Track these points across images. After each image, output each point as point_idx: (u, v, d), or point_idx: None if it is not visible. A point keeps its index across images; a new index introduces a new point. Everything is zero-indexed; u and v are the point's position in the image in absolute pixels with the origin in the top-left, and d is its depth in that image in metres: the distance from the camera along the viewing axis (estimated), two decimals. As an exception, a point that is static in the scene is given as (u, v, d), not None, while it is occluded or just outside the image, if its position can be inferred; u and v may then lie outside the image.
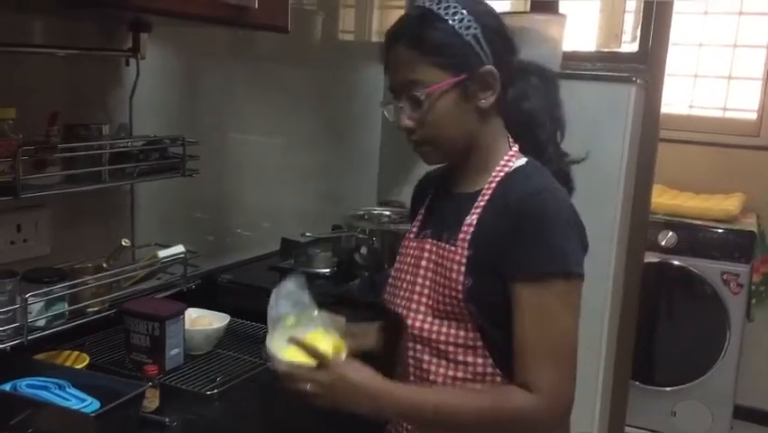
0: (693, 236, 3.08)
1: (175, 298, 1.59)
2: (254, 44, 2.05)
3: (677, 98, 3.62)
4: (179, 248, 1.62)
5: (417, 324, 1.15)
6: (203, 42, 1.86)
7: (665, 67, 2.52)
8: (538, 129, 1.18)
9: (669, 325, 3.16)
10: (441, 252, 1.14)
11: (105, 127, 1.51)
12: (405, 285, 1.18)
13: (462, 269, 1.10)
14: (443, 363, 1.14)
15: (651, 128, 2.47)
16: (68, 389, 1.21)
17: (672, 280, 3.11)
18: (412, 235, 1.23)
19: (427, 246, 1.17)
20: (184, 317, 1.47)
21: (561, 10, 2.45)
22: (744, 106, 3.59)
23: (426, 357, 1.15)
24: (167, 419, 1.25)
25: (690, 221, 3.12)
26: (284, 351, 1.11)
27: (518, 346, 1.08)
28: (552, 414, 1.08)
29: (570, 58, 2.53)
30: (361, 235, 1.89)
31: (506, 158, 1.15)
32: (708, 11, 3.61)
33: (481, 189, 1.14)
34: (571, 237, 1.08)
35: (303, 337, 1.12)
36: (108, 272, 1.49)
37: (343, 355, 1.12)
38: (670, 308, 3.16)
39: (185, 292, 1.64)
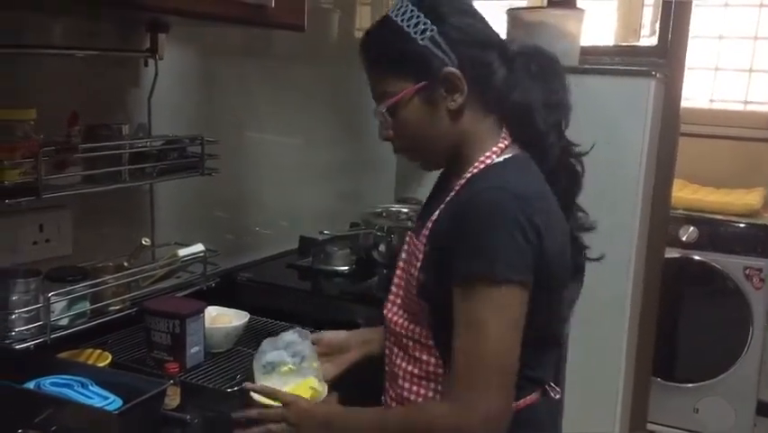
0: (714, 231, 3.05)
1: (195, 296, 1.60)
2: (271, 43, 2.05)
3: (697, 92, 3.58)
4: (199, 247, 1.63)
5: (389, 315, 1.18)
6: (220, 42, 1.87)
7: (685, 60, 2.50)
8: (534, 118, 1.11)
9: (690, 321, 3.12)
10: (411, 246, 1.15)
11: (125, 127, 1.53)
12: (393, 277, 1.21)
13: (419, 264, 1.10)
14: (405, 357, 1.16)
15: (671, 122, 2.45)
16: (90, 387, 1.21)
17: (693, 275, 3.08)
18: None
19: (407, 240, 1.18)
20: (204, 316, 1.48)
21: (579, 4, 2.44)
22: (765, 99, 3.54)
23: (396, 350, 1.18)
24: (188, 417, 1.26)
25: (711, 216, 3.08)
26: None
27: (452, 354, 1.03)
28: (461, 428, 1.00)
29: (588, 53, 2.51)
30: (379, 233, 1.89)
31: (487, 153, 1.11)
32: (728, 3, 3.56)
33: (455, 184, 1.11)
34: (506, 239, 0.99)
35: (293, 382, 1.22)
36: (129, 271, 1.51)
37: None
38: (691, 303, 3.13)
39: (205, 291, 1.65)
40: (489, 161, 1.10)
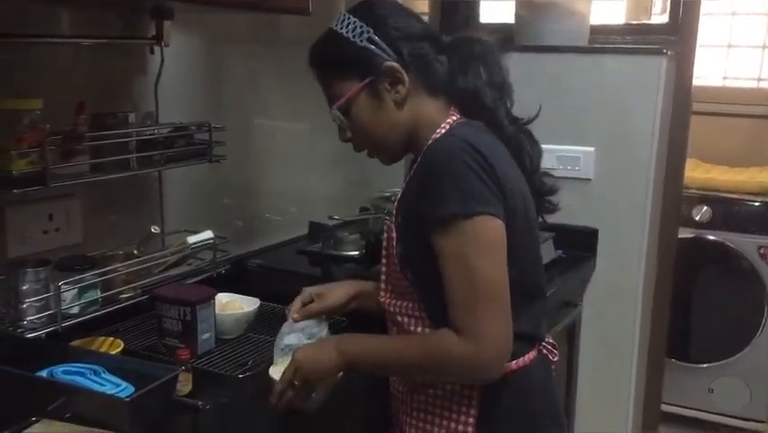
0: (728, 210, 3.02)
1: (205, 283, 1.60)
2: (277, 28, 2.04)
3: (710, 70, 3.54)
4: (208, 234, 1.63)
5: (382, 299, 1.25)
6: (226, 28, 1.86)
7: (697, 37, 2.46)
8: (481, 97, 1.17)
9: (705, 301, 3.10)
10: (389, 230, 1.21)
11: (132, 115, 1.52)
12: (380, 265, 1.26)
13: (394, 241, 1.17)
14: (403, 333, 1.21)
15: (683, 101, 2.42)
16: (102, 374, 1.22)
17: (707, 255, 3.06)
18: None
19: (385, 227, 1.24)
20: (214, 302, 1.48)
21: (588, -17, 2.40)
22: (780, 76, 3.50)
23: (395, 329, 1.24)
24: (200, 403, 1.26)
25: (724, 195, 3.06)
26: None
27: (446, 294, 1.08)
28: (479, 356, 1.05)
29: (598, 31, 2.48)
30: (388, 217, 1.88)
31: (441, 126, 1.16)
32: (740, -22, 3.51)
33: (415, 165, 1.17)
34: (469, 178, 1.05)
35: None
36: (139, 259, 1.51)
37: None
38: (705, 283, 3.11)
39: (215, 277, 1.65)
40: (438, 135, 1.16)
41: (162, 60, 1.63)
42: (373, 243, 1.95)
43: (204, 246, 1.63)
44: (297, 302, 1.36)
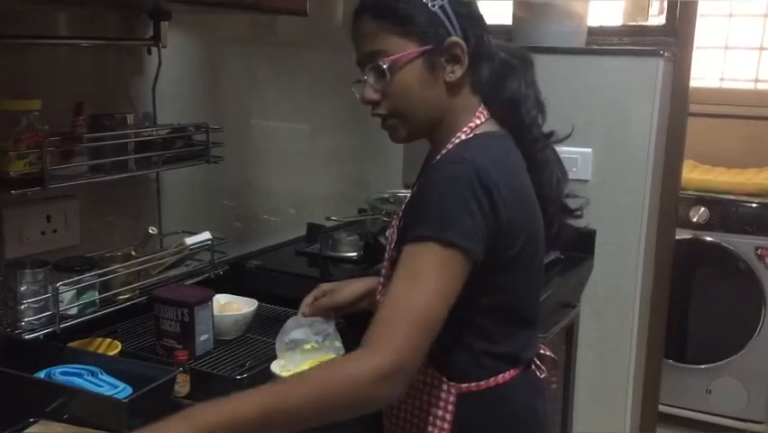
0: (726, 212, 3.02)
1: (203, 284, 1.60)
2: (275, 29, 2.04)
3: (707, 71, 3.54)
4: (206, 235, 1.63)
5: (379, 298, 1.19)
6: (224, 29, 1.87)
7: (694, 39, 2.47)
8: (521, 111, 1.14)
9: (702, 302, 3.11)
10: (392, 231, 1.18)
11: (130, 116, 1.52)
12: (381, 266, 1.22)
13: (393, 245, 1.13)
14: None
15: (680, 102, 2.43)
16: (100, 375, 1.22)
17: (704, 256, 3.06)
18: None
19: (392, 228, 1.20)
20: (212, 303, 1.48)
21: (585, -16, 2.41)
22: (777, 78, 3.50)
23: None
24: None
25: (722, 196, 3.06)
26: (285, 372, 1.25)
27: (381, 303, 1.02)
28: (373, 370, 0.92)
29: (595, 33, 2.49)
30: (386, 219, 1.88)
31: (464, 129, 1.12)
32: (737, -20, 3.52)
33: (431, 164, 1.13)
34: (459, 209, 1.00)
35: (313, 359, 1.25)
36: (137, 260, 1.51)
37: None
38: (703, 284, 3.11)
39: (213, 279, 1.65)
40: (457, 140, 1.12)
41: (160, 61, 1.63)
42: (372, 244, 1.96)
43: (202, 247, 1.63)
44: (310, 297, 1.36)
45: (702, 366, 3.09)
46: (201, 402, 0.95)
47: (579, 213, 1.26)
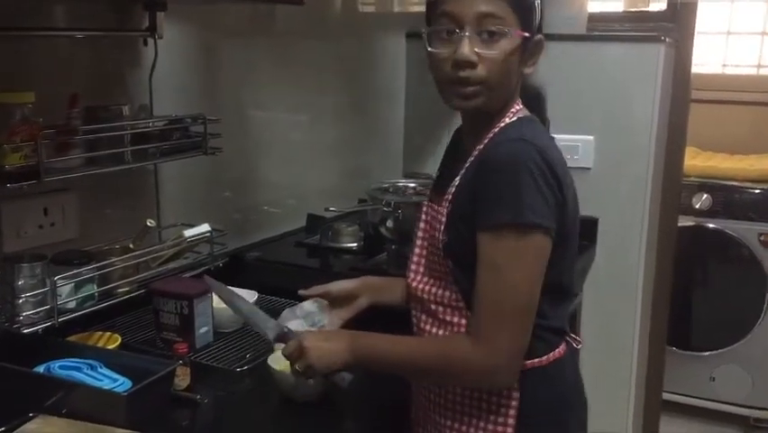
0: (728, 198, 3.01)
1: (203, 276, 1.59)
2: (273, 19, 2.03)
3: (709, 57, 3.52)
4: (205, 227, 1.62)
5: (414, 283, 1.21)
6: (221, 20, 1.85)
7: (695, 24, 2.45)
8: (543, 100, 1.20)
9: (705, 289, 3.10)
10: (432, 212, 1.18)
11: (126, 108, 1.51)
12: (412, 246, 1.23)
13: (442, 227, 1.13)
14: (435, 322, 1.18)
15: (682, 89, 2.41)
16: (100, 369, 1.22)
17: (707, 243, 3.05)
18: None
19: (424, 208, 1.21)
20: (212, 295, 1.47)
21: (585, -30, 2.39)
22: (779, 62, 3.48)
23: (423, 316, 1.20)
24: (198, 397, 1.26)
25: (724, 182, 3.05)
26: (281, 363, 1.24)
27: (474, 296, 1.08)
28: (487, 365, 1.07)
29: (596, 19, 2.47)
30: (386, 209, 1.87)
31: (507, 115, 1.15)
32: (739, -35, 3.49)
33: (475, 149, 1.14)
34: (530, 188, 1.03)
35: None
36: (135, 253, 1.50)
37: None
38: (706, 271, 3.10)
39: (212, 271, 1.64)
40: (502, 124, 1.14)
41: (156, 52, 1.61)
42: (372, 234, 1.95)
43: (201, 240, 1.62)
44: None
45: (706, 353, 3.08)
46: (359, 332, 1.19)
47: None
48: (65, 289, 1.36)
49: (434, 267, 1.17)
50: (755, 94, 3.42)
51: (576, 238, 1.18)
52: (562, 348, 1.18)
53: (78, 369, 1.21)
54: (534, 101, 1.20)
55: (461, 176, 1.13)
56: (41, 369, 1.20)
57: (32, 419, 1.09)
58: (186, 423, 1.24)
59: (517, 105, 1.17)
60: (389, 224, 1.87)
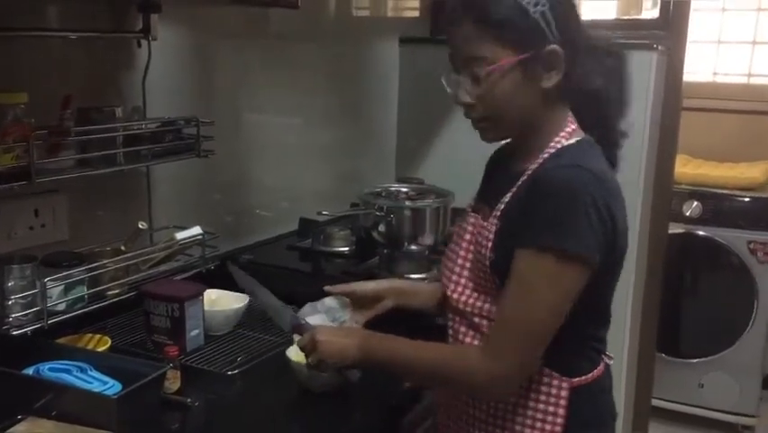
0: (719, 206, 3.03)
1: (194, 279, 1.59)
2: (267, 23, 2.03)
3: (700, 66, 3.54)
4: (197, 230, 1.62)
5: (455, 296, 1.18)
6: (215, 22, 1.85)
7: (687, 33, 2.46)
8: (605, 108, 1.14)
9: (695, 296, 3.11)
10: (479, 227, 1.16)
11: (119, 110, 1.51)
12: (452, 256, 1.21)
13: (490, 244, 1.12)
14: (477, 335, 1.16)
15: (673, 96, 2.42)
16: (90, 372, 1.21)
17: (697, 250, 3.06)
18: (468, 209, 1.24)
19: (471, 220, 1.19)
20: (203, 298, 1.47)
21: (578, -23, 2.40)
22: (769, 72, 3.50)
23: (462, 329, 1.18)
24: (189, 400, 1.25)
25: (715, 190, 3.06)
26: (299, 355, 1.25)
27: (497, 307, 1.10)
28: (491, 377, 1.08)
29: (589, 26, 2.48)
30: (378, 213, 1.87)
31: (561, 135, 1.12)
32: (730, -25, 3.52)
33: (528, 168, 1.12)
34: (580, 217, 1.02)
35: None
36: (126, 255, 1.50)
37: None
38: (695, 279, 3.12)
39: (204, 274, 1.64)
40: (559, 145, 1.12)
41: (150, 54, 1.61)
42: (364, 238, 1.94)
43: (192, 242, 1.61)
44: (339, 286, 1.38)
45: (695, 360, 3.09)
46: (373, 332, 1.24)
47: None
48: (55, 290, 1.35)
49: (480, 282, 1.15)
50: (745, 102, 3.45)
51: (622, 265, 1.17)
52: (602, 366, 1.20)
53: (68, 371, 1.20)
54: (591, 107, 1.15)
55: (512, 194, 1.11)
56: (30, 371, 1.19)
57: (20, 421, 1.09)
58: (176, 426, 1.24)
59: (572, 123, 1.13)
60: (382, 228, 1.87)
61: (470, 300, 1.16)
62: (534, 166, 1.11)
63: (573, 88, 1.12)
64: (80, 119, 1.42)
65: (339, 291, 1.36)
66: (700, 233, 3.04)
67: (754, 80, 3.57)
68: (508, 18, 1.06)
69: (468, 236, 1.18)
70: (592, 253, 1.04)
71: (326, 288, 1.36)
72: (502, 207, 1.12)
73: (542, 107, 1.12)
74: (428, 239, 1.90)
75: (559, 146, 1.11)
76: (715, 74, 3.63)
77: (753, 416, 3.05)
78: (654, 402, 2.87)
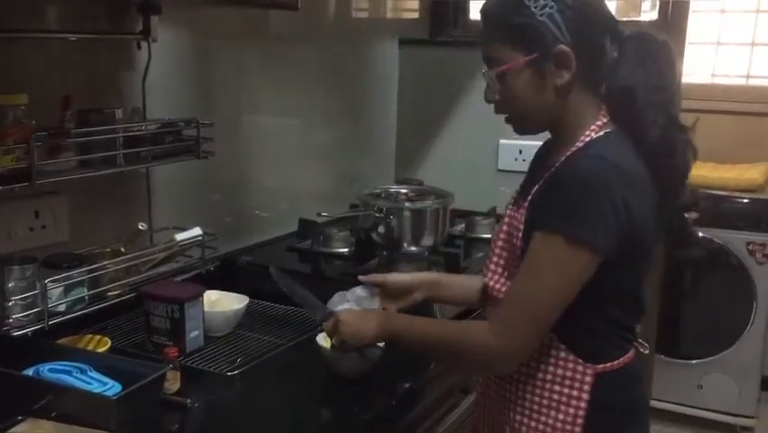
0: (717, 207, 3.03)
1: (194, 280, 1.59)
2: (267, 24, 2.03)
3: (699, 67, 3.55)
4: (197, 231, 1.62)
5: (491, 283, 1.24)
6: (215, 24, 1.85)
7: (686, 34, 2.47)
8: (636, 98, 1.15)
9: (693, 297, 3.11)
10: (511, 218, 1.22)
11: (119, 111, 1.51)
12: (492, 246, 1.28)
13: (520, 234, 1.16)
14: None
15: (672, 98, 2.42)
16: (89, 373, 1.21)
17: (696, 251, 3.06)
18: (511, 200, 1.29)
19: (508, 212, 1.24)
20: (203, 299, 1.47)
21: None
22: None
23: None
24: (188, 401, 1.25)
25: (713, 192, 3.06)
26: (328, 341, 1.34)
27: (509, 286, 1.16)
28: (497, 350, 1.13)
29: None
30: (378, 214, 1.88)
31: (591, 128, 1.15)
32: (729, -24, 3.52)
33: (558, 160, 1.16)
34: (593, 207, 1.06)
35: None
36: (126, 256, 1.50)
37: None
38: (694, 280, 3.12)
39: (203, 275, 1.64)
40: (588, 138, 1.15)
41: (150, 56, 1.61)
42: (363, 239, 1.95)
43: (192, 243, 1.61)
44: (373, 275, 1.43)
45: (694, 361, 3.09)
46: (392, 312, 1.34)
47: (695, 207, 1.29)
48: (55, 291, 1.36)
49: (513, 270, 1.19)
50: (744, 104, 3.45)
51: (648, 255, 1.19)
52: (631, 353, 1.22)
53: (68, 372, 1.20)
54: (625, 98, 1.16)
55: (540, 185, 1.16)
56: (30, 372, 1.19)
57: (20, 422, 1.09)
58: (175, 427, 1.24)
59: (604, 117, 1.16)
60: (381, 229, 1.88)
61: (504, 288, 1.21)
62: (562, 159, 1.15)
63: (599, 82, 1.16)
64: (80, 121, 1.42)
65: (371, 281, 1.40)
66: (699, 234, 3.04)
67: (752, 82, 3.58)
68: (515, 21, 1.12)
69: (505, 227, 1.23)
70: (601, 241, 1.07)
71: (361, 277, 1.41)
72: (530, 197, 1.17)
73: (561, 103, 1.16)
74: (428, 240, 1.90)
75: (588, 139, 1.15)
76: (714, 75, 3.64)
77: (752, 417, 3.05)
78: (653, 403, 2.87)
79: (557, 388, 1.17)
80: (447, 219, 1.94)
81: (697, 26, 3.18)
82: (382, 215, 1.87)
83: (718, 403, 3.07)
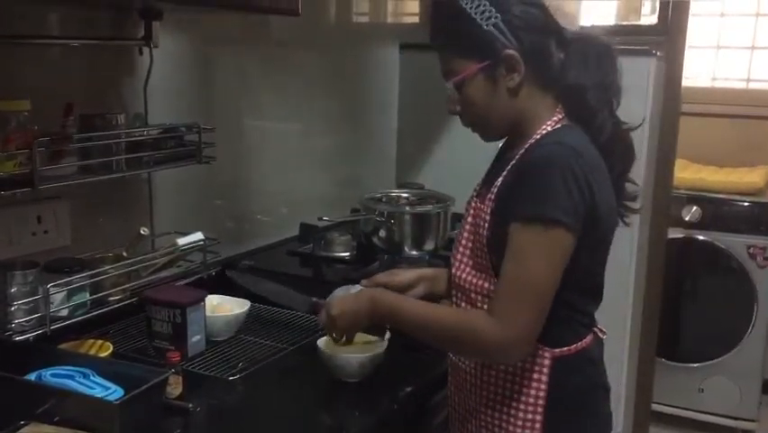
0: (718, 210, 3.03)
1: (195, 285, 1.60)
2: (268, 29, 2.04)
3: (699, 71, 3.55)
4: (198, 235, 1.63)
5: (458, 273, 1.27)
6: (216, 29, 1.86)
7: (686, 38, 2.47)
8: (586, 97, 1.21)
9: (694, 301, 3.12)
10: (477, 209, 1.25)
11: (121, 117, 1.51)
12: (458, 237, 1.30)
13: (486, 224, 1.20)
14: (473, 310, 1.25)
15: (672, 101, 2.43)
16: (92, 377, 1.22)
17: (696, 255, 3.07)
18: (474, 194, 1.32)
19: (472, 205, 1.29)
20: (205, 304, 1.47)
21: (577, -16, 2.41)
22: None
23: (463, 304, 1.27)
24: (190, 405, 1.26)
25: (714, 195, 3.07)
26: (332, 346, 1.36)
27: (497, 280, 1.18)
28: (501, 339, 1.15)
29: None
30: (379, 218, 1.88)
31: (547, 123, 1.21)
32: (729, -20, 3.53)
33: (517, 153, 1.21)
34: (559, 187, 1.10)
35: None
36: (128, 261, 1.50)
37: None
38: (695, 283, 3.12)
39: (205, 279, 1.65)
40: (544, 131, 1.21)
41: (151, 61, 1.62)
42: (364, 244, 1.95)
43: (194, 248, 1.62)
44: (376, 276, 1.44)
45: (695, 365, 3.09)
46: (382, 290, 1.34)
47: (635, 199, 1.34)
48: (57, 296, 1.36)
49: (478, 260, 1.24)
50: (744, 107, 3.45)
51: (608, 243, 1.24)
52: (589, 338, 1.26)
53: (70, 377, 1.21)
54: (575, 97, 1.22)
55: (503, 177, 1.21)
56: (32, 377, 1.20)
57: (23, 426, 1.09)
58: (178, 432, 1.24)
59: (559, 113, 1.22)
60: (382, 233, 1.88)
61: (469, 278, 1.25)
62: (521, 151, 1.21)
63: (557, 82, 1.22)
64: (82, 126, 1.43)
65: (373, 285, 1.40)
66: (700, 237, 3.05)
67: (752, 85, 3.58)
68: (463, 32, 1.20)
69: (470, 219, 1.27)
70: (573, 219, 1.11)
71: (363, 282, 1.41)
72: (495, 189, 1.21)
73: (516, 104, 1.22)
74: (429, 244, 1.91)
75: (544, 132, 1.20)
76: (714, 79, 3.64)
77: (753, 420, 3.05)
78: (654, 407, 2.87)
79: (518, 372, 1.21)
80: (448, 223, 1.95)
81: (697, 30, 3.18)
82: (383, 219, 1.87)
83: (719, 407, 3.07)
